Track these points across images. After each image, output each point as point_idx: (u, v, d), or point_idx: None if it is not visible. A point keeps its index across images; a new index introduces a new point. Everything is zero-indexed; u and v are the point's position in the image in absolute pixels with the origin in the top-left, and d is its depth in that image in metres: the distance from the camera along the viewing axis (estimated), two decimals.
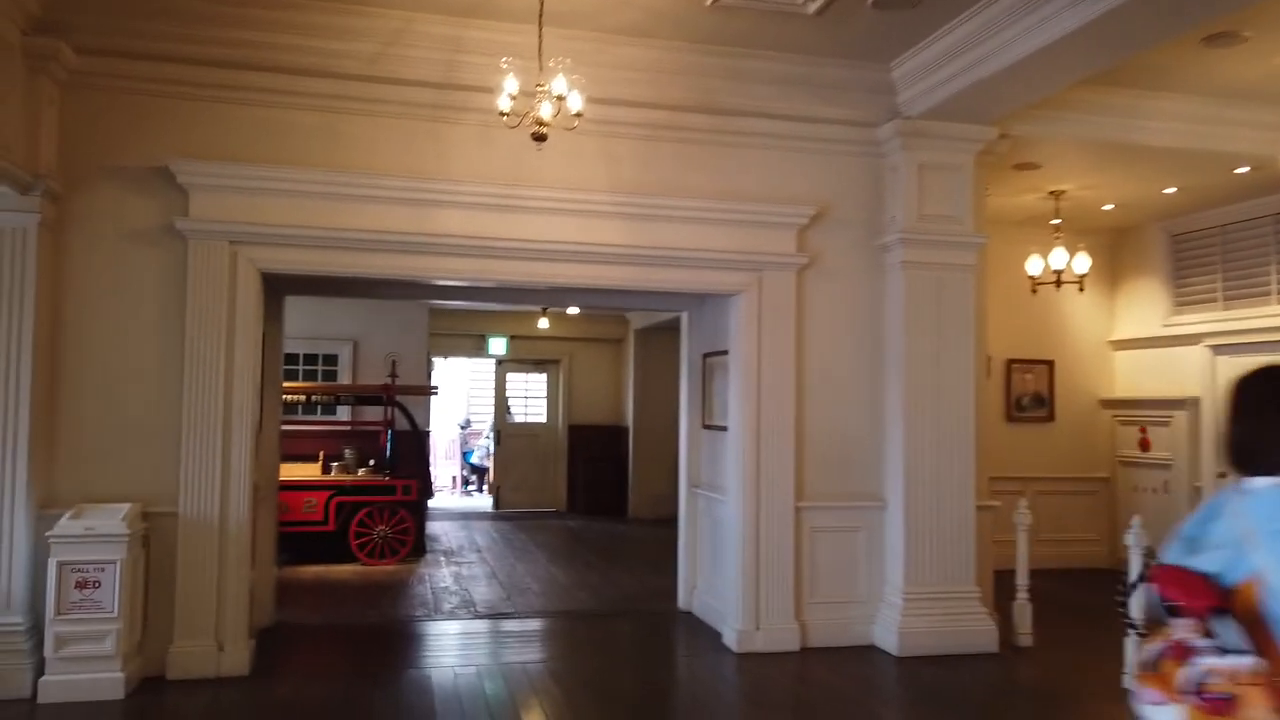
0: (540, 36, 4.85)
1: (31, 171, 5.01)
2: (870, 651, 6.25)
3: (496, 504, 14.28)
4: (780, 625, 6.20)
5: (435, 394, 10.88)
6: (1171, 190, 8.13)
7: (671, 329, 11.35)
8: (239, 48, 5.47)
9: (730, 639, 6.27)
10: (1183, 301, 9.08)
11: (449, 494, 16.42)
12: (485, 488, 16.03)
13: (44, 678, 4.99)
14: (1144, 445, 9.35)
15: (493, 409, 14.86)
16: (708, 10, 5.49)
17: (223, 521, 5.47)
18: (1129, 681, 5.46)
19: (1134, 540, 5.52)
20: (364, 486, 9.54)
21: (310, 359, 10.95)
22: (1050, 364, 9.68)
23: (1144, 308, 9.50)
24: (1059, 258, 8.29)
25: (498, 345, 14.32)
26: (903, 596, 6.20)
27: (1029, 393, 9.62)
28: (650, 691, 5.67)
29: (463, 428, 17.24)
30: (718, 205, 6.19)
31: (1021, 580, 6.49)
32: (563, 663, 6.15)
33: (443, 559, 9.82)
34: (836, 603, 6.34)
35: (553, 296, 7.47)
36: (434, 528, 11.77)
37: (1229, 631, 2.10)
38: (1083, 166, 7.55)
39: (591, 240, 6.01)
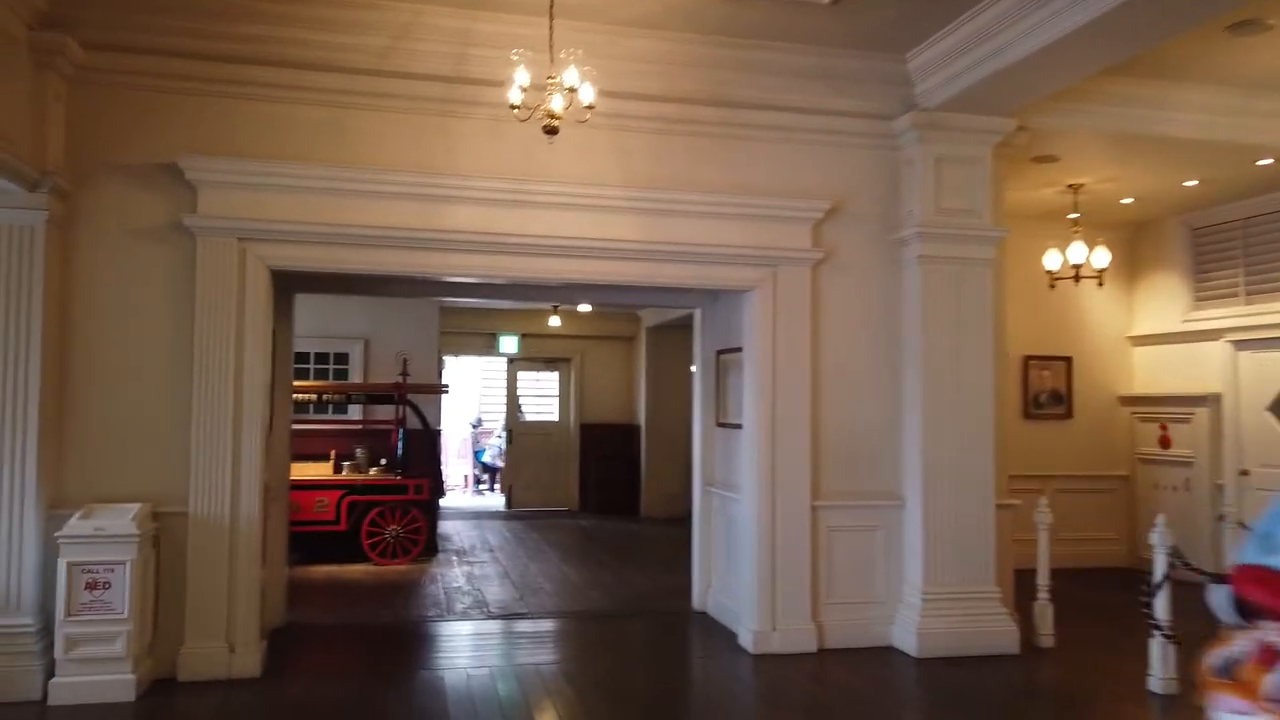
0: (551, 29, 4.79)
1: (38, 168, 4.97)
2: (889, 653, 6.15)
3: (509, 503, 14.24)
4: (797, 626, 6.11)
5: (446, 392, 10.83)
6: (1192, 183, 8.01)
7: (683, 326, 11.31)
8: (246, 42, 5.42)
9: (746, 640, 6.19)
10: (1204, 296, 8.94)
11: (461, 493, 16.38)
12: (497, 487, 15.98)
13: (54, 680, 4.95)
14: (1164, 442, 9.22)
15: (504, 408, 14.81)
16: (720, 1, 5.41)
17: (233, 521, 5.42)
18: (1155, 684, 5.36)
19: (1159, 540, 5.41)
20: (376, 486, 9.49)
21: (321, 358, 10.93)
22: (1068, 360, 9.56)
23: (1163, 303, 9.36)
24: (1078, 252, 8.17)
25: (509, 343, 14.28)
26: (921, 597, 6.10)
27: (1046, 389, 9.50)
28: (665, 693, 5.59)
29: (474, 426, 17.21)
30: (731, 199, 6.11)
31: (1042, 580, 6.38)
32: (576, 664, 6.08)
33: (455, 558, 9.77)
34: (854, 603, 6.25)
35: (564, 293, 7.38)
36: (446, 527, 11.73)
37: None
38: (1102, 159, 7.43)
39: (603, 235, 5.94)
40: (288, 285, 6.29)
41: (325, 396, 10.29)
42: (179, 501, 5.37)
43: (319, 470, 9.68)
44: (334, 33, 5.50)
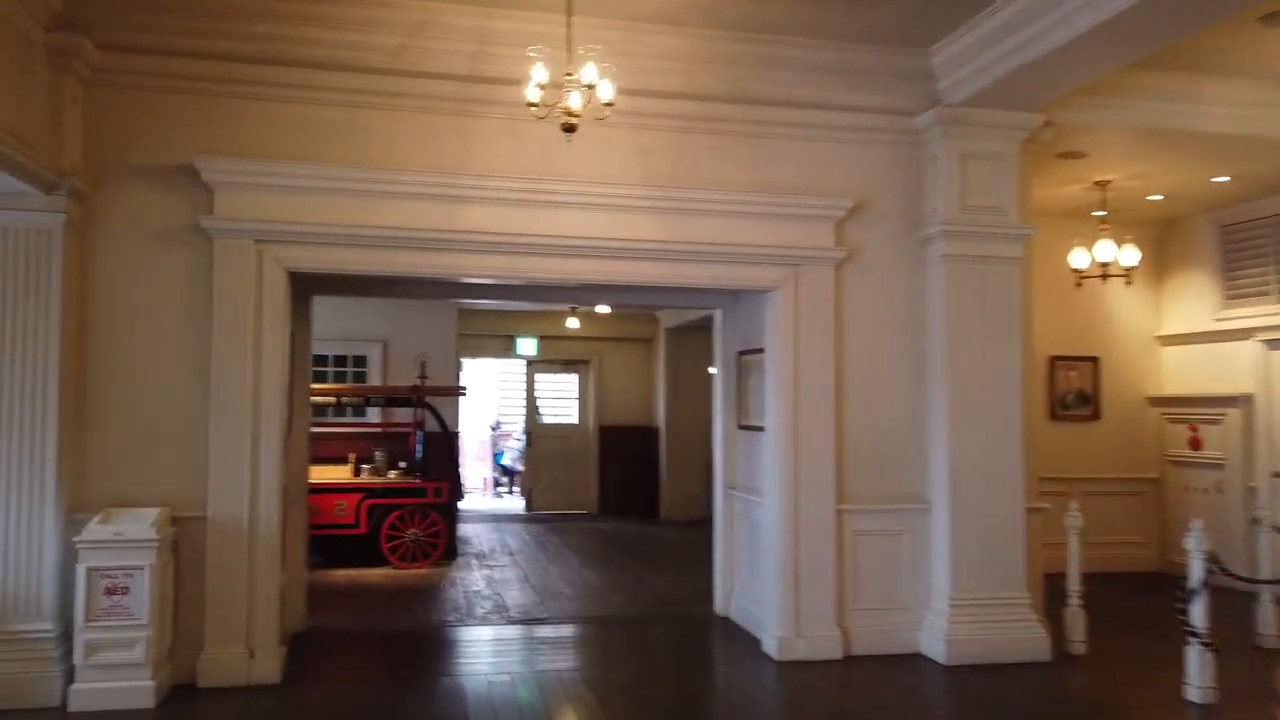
0: (569, 25, 4.72)
1: (55, 170, 4.95)
2: (916, 660, 6.04)
3: (529, 506, 14.19)
4: (822, 632, 6.01)
5: (464, 395, 10.79)
6: (1223, 179, 7.84)
7: (702, 328, 11.22)
8: (261, 42, 5.39)
9: (770, 646, 6.09)
10: (1234, 295, 8.75)
11: (480, 496, 16.36)
12: (517, 489, 15.95)
13: (74, 686, 4.93)
14: (1195, 444, 9.04)
15: (524, 410, 14.77)
16: None
17: (252, 525, 5.38)
18: (1193, 693, 5.21)
19: (1194, 545, 5.27)
20: (395, 489, 9.46)
21: (340, 360, 10.92)
22: (1094, 360, 9.40)
23: (1193, 302, 9.18)
24: (1105, 250, 8.01)
25: (527, 346, 14.24)
26: (949, 602, 5.98)
27: (1073, 390, 9.34)
28: (688, 700, 5.50)
29: (493, 429, 17.19)
30: (752, 198, 6.02)
31: (1073, 585, 6.25)
32: (598, 670, 6.00)
33: (474, 562, 9.72)
34: (880, 609, 6.14)
35: (583, 294, 7.31)
36: (466, 530, 11.69)
37: None
38: (1131, 155, 7.28)
39: (622, 235, 5.87)
40: (305, 287, 6.26)
41: (344, 399, 10.28)
42: (198, 505, 5.33)
43: (338, 473, 9.66)
44: (349, 31, 5.46)
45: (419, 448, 9.88)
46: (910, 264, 6.30)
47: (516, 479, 16.05)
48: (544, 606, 7.67)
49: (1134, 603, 7.86)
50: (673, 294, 7.16)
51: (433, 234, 5.63)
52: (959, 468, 6.03)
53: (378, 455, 9.98)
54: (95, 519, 5.05)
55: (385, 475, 9.76)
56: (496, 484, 16.95)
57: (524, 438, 14.66)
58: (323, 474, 9.03)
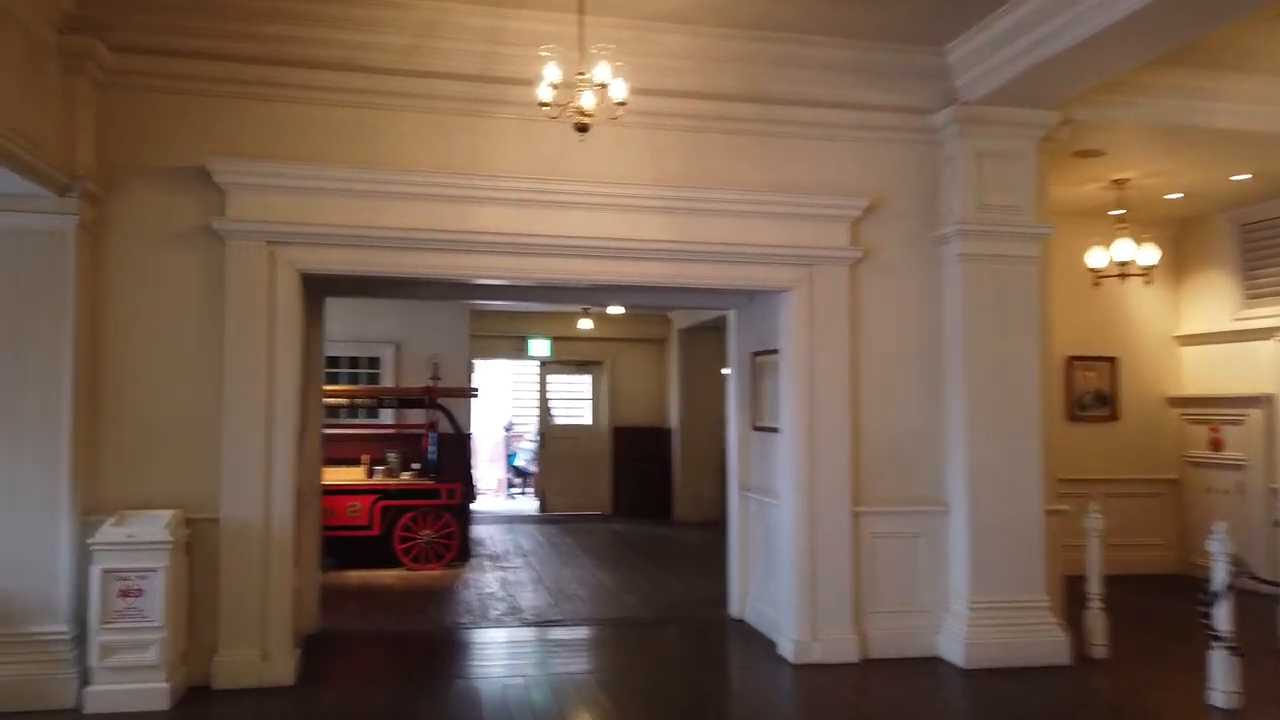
0: (581, 24, 4.69)
1: (68, 172, 4.95)
2: (935, 663, 5.97)
3: (542, 507, 14.17)
4: (838, 635, 5.96)
5: (476, 396, 10.77)
6: (1244, 177, 7.74)
7: (715, 328, 11.19)
8: (272, 43, 5.38)
9: (786, 649, 6.04)
10: (1255, 294, 8.64)
11: (493, 497, 16.35)
12: (530, 490, 15.93)
13: (89, 688, 4.93)
14: (1215, 445, 8.93)
15: (536, 411, 14.74)
16: None
17: (266, 527, 5.37)
18: (1217, 698, 5.13)
19: (1218, 547, 5.19)
20: (408, 490, 9.44)
21: (353, 362, 10.91)
22: (1112, 361, 9.30)
23: (1212, 301, 9.08)
24: (1124, 249, 7.92)
25: (539, 347, 14.23)
26: (968, 605, 5.92)
27: (1090, 391, 9.25)
28: (703, 704, 5.45)
29: (506, 430, 17.18)
30: (767, 198, 5.98)
31: (1094, 588, 6.18)
32: (612, 673, 5.97)
33: (488, 564, 9.70)
34: (898, 612, 6.08)
35: (596, 295, 7.27)
36: (479, 531, 11.68)
37: None
38: (1149, 153, 7.20)
39: (636, 236, 5.83)
40: (318, 289, 6.24)
41: (357, 401, 10.27)
42: (211, 507, 5.33)
43: (351, 475, 9.65)
44: (361, 32, 5.45)
45: (432, 449, 9.87)
46: (926, 264, 6.24)
47: (530, 480, 16.04)
48: (558, 608, 7.64)
49: (1154, 605, 7.77)
50: (686, 294, 7.12)
51: (444, 235, 5.60)
52: (977, 469, 5.97)
53: (391, 457, 9.98)
54: (109, 521, 5.05)
55: (398, 477, 9.75)
56: (510, 485, 16.94)
57: (537, 439, 14.64)
58: (336, 475, 9.03)
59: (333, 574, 8.38)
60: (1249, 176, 7.72)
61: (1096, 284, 8.22)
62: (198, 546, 5.30)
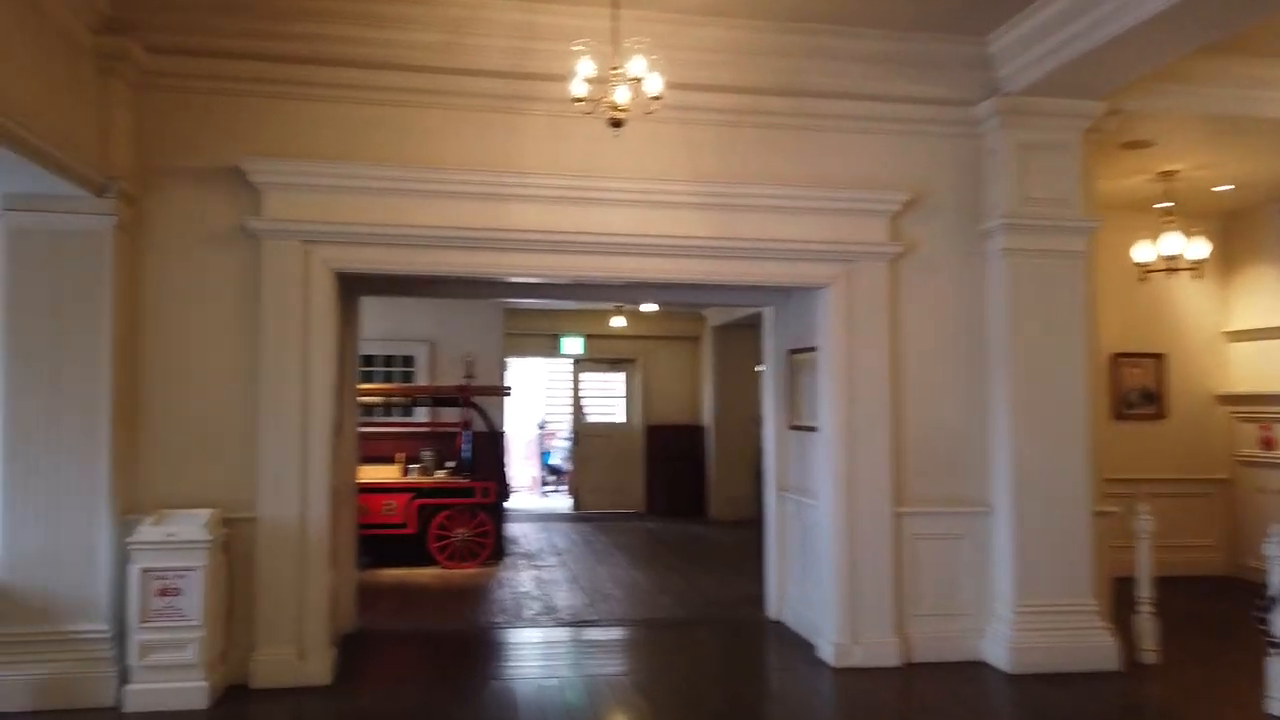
0: (615, 17, 4.62)
1: (105, 173, 4.97)
2: (979, 668, 5.83)
3: (576, 505, 14.15)
4: (880, 639, 5.84)
5: (509, 394, 10.77)
6: None
7: (749, 325, 11.07)
8: (305, 42, 5.37)
9: (826, 652, 5.93)
10: None
11: (528, 495, 16.37)
12: (564, 488, 15.93)
13: (128, 686, 4.96)
14: (1267, 444, 8.67)
15: (570, 409, 14.73)
16: None
17: (302, 526, 5.37)
18: (1276, 706, 4.95)
19: (1274, 550, 5.01)
20: (443, 489, 9.45)
21: (388, 360, 10.96)
22: (1160, 357, 9.06)
23: (1264, 296, 8.81)
24: (1173, 243, 7.70)
25: (573, 345, 14.20)
26: (1013, 609, 5.78)
27: (1137, 389, 9.02)
28: (742, 707, 5.37)
29: (540, 428, 17.20)
30: (804, 193, 5.87)
31: (1144, 591, 6.00)
32: (649, 674, 5.90)
33: (522, 562, 9.68)
34: (941, 615, 5.95)
35: (630, 292, 7.21)
36: (514, 530, 11.68)
37: None
38: (1199, 143, 6.99)
39: (671, 232, 5.76)
40: (353, 288, 6.24)
41: (391, 399, 10.30)
42: (248, 506, 5.34)
43: (386, 473, 9.68)
44: (392, 29, 5.42)
45: (466, 447, 9.88)
46: (969, 259, 6.10)
47: (564, 478, 16.04)
48: (593, 608, 7.59)
49: (1205, 608, 7.56)
50: (722, 292, 7.02)
51: (478, 233, 5.57)
52: (1021, 469, 5.83)
53: (425, 455, 10.00)
54: (148, 520, 5.07)
55: (433, 475, 9.77)
56: (544, 483, 16.95)
57: (571, 437, 14.62)
58: (371, 474, 9.06)
59: (369, 572, 8.40)
60: None
61: (1143, 279, 8.01)
62: (235, 546, 5.31)
